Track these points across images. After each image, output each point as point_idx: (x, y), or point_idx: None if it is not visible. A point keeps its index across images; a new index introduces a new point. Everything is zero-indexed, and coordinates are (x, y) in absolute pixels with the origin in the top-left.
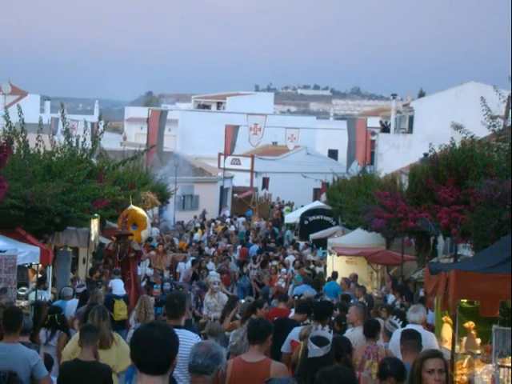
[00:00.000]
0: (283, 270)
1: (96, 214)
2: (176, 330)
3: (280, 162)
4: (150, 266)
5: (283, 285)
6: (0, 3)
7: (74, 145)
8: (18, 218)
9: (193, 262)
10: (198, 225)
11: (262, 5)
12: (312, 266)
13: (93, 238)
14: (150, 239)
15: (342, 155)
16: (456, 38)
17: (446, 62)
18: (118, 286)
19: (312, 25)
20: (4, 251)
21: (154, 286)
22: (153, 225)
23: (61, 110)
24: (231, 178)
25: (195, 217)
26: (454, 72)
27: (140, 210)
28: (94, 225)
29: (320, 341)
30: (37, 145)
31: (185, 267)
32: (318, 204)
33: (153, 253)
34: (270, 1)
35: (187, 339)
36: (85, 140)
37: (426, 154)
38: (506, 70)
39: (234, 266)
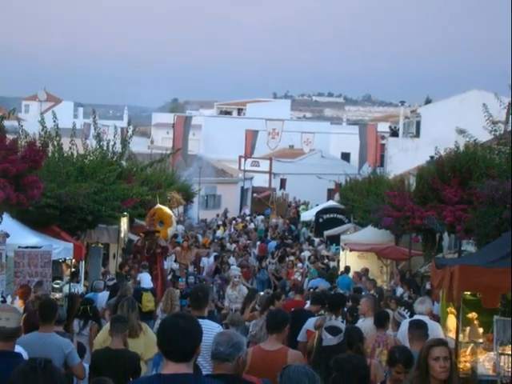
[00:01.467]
0: (299, 264)
1: (125, 213)
2: (200, 320)
3: (296, 164)
4: (175, 261)
5: (299, 278)
6: (40, 18)
7: (105, 148)
8: (53, 216)
9: (215, 257)
10: (220, 222)
11: (279, 19)
12: (326, 261)
13: (122, 235)
14: (175, 236)
15: (354, 158)
16: (459, 49)
17: (450, 71)
18: (145, 279)
19: (326, 37)
20: (40, 247)
21: (180, 279)
22: (178, 222)
23: (93, 116)
24: (251, 178)
25: (217, 215)
26: (458, 80)
27: (166, 209)
28: (124, 222)
29: (333, 330)
30: (70, 148)
31: (208, 262)
32: (331, 203)
33: (178, 248)
34: (287, 16)
35: (210, 329)
36: (115, 144)
37: (432, 157)
38: (506, 79)
39: (254, 261)
